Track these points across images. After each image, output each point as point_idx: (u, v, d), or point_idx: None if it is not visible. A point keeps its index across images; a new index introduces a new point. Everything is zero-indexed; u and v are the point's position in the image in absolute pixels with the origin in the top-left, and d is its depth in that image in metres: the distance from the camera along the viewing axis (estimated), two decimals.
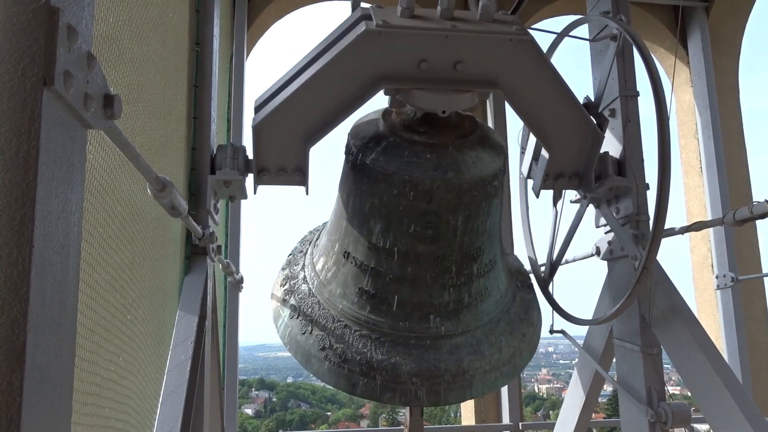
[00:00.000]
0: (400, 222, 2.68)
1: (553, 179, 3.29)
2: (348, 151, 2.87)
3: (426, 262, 2.75)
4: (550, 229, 3.92)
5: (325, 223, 3.29)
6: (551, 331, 3.94)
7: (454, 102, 2.74)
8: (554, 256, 3.87)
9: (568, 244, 3.80)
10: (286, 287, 3.15)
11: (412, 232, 2.67)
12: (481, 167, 2.72)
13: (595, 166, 3.31)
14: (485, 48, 2.70)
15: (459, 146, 2.75)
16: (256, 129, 2.82)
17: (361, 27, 2.61)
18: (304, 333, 2.88)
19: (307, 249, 3.31)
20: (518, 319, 3.10)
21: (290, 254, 3.41)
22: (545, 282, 3.80)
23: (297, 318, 2.96)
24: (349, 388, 2.75)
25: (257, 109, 2.86)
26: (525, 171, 3.66)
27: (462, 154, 2.71)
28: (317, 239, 3.27)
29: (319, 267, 3.05)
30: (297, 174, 3.01)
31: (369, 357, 2.74)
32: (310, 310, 2.94)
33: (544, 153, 3.24)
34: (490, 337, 2.93)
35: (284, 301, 3.10)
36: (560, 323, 3.85)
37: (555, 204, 3.85)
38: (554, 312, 3.73)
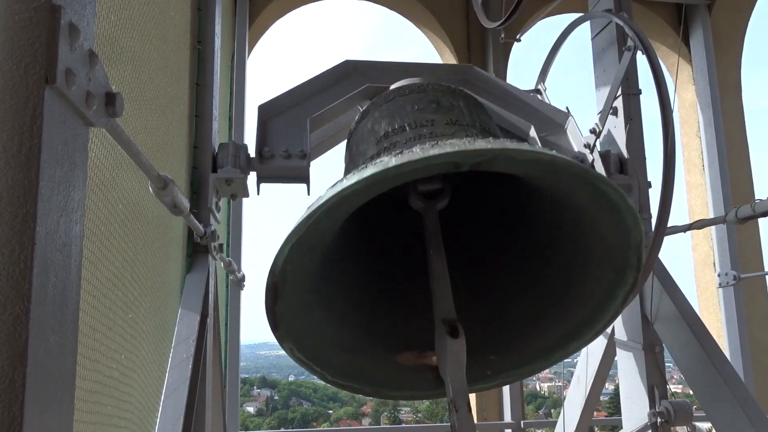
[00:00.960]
0: (402, 109, 2.42)
1: None
2: (350, 131, 2.84)
3: (441, 124, 2.35)
4: None
5: None
6: None
7: (430, 79, 2.88)
8: None
9: None
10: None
11: (417, 109, 2.44)
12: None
13: (598, 162, 3.32)
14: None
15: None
16: (261, 109, 3.13)
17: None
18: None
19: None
20: None
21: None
22: None
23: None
24: (380, 166, 1.76)
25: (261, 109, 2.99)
26: None
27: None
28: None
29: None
30: (299, 157, 3.06)
31: (400, 151, 2.01)
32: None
33: None
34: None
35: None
36: None
37: None
38: None
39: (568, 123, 3.45)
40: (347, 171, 2.55)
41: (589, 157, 3.34)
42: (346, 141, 2.80)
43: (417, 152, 1.63)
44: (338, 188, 1.72)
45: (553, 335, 2.26)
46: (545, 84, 4.14)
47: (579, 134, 3.41)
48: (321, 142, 3.39)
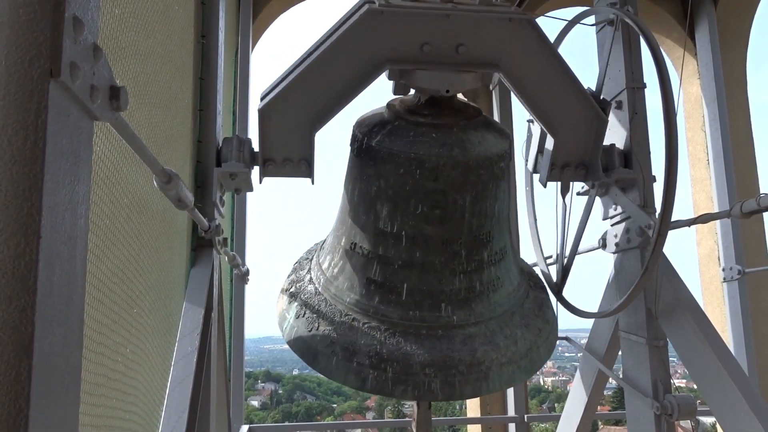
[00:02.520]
0: (406, 203, 2.62)
1: (560, 169, 3.28)
2: (353, 140, 2.87)
3: (435, 246, 2.66)
4: (559, 225, 3.86)
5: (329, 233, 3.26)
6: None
7: (458, 81, 2.77)
8: (565, 256, 3.79)
9: (579, 243, 3.73)
10: (291, 290, 3.08)
11: (419, 212, 2.60)
12: (486, 146, 2.73)
13: (602, 158, 3.30)
14: (486, 28, 2.75)
15: (464, 127, 2.76)
16: (262, 113, 2.88)
17: (364, 8, 2.68)
18: (310, 331, 2.78)
19: (313, 256, 3.25)
20: (533, 315, 3.00)
21: (296, 262, 3.36)
22: (558, 287, 3.69)
23: (303, 317, 2.86)
24: (359, 384, 2.58)
25: (263, 97, 2.89)
26: (531, 166, 3.64)
27: (467, 134, 2.72)
28: (323, 243, 3.24)
29: (325, 266, 2.99)
30: (303, 164, 3.02)
31: (378, 349, 2.60)
32: (316, 308, 2.85)
33: (549, 145, 3.24)
34: (504, 329, 2.81)
35: (290, 303, 3.03)
36: (564, 321, 3.85)
37: (563, 196, 3.80)
38: (558, 315, 3.70)
39: (601, 126, 3.21)
40: (342, 216, 2.99)
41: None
42: (348, 160, 2.87)
43: (388, 385, 2.55)
44: (323, 370, 2.72)
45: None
46: None
47: (602, 140, 3.26)
48: (328, 113, 3.11)
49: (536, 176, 3.53)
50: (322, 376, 2.81)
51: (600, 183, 3.52)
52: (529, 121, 3.66)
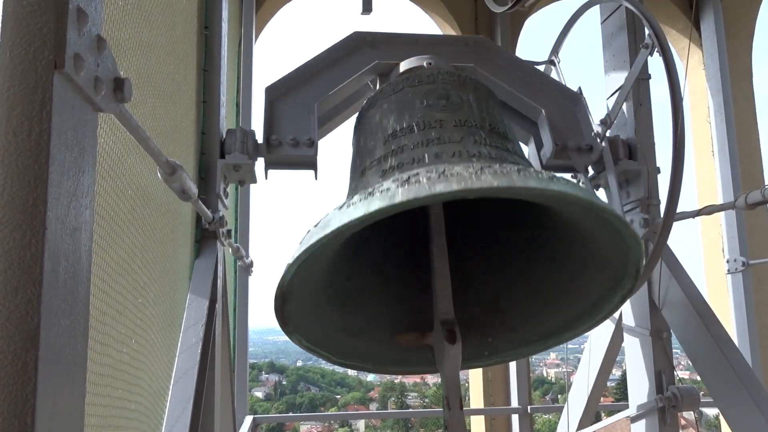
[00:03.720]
0: (411, 105, 2.46)
1: (561, 150, 3.29)
2: (358, 114, 2.84)
3: (449, 126, 2.34)
4: None
5: None
6: None
7: (438, 59, 2.88)
8: None
9: None
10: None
11: (425, 105, 2.48)
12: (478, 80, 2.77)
13: (603, 149, 3.30)
14: (449, 51, 3.34)
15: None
16: (268, 91, 3.15)
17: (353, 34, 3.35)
18: (317, 225, 2.09)
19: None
20: None
21: (306, 234, 3.31)
22: None
23: (308, 233, 2.34)
24: (388, 200, 1.79)
25: (269, 91, 3.00)
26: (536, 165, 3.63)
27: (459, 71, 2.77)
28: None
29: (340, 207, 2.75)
30: (307, 145, 3.06)
31: (406, 174, 1.92)
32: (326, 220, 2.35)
33: (546, 141, 3.28)
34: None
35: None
36: None
37: (585, 175, 3.71)
38: None
39: (580, 104, 3.42)
40: (354, 165, 2.58)
41: (600, 146, 3.32)
42: (354, 124, 2.82)
43: (423, 185, 1.70)
44: (345, 218, 1.77)
45: (549, 324, 2.36)
46: (559, 56, 4.06)
47: (590, 119, 3.38)
48: (330, 121, 3.38)
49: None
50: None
51: (599, 174, 3.53)
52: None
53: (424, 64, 2.85)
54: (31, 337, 0.94)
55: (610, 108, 3.65)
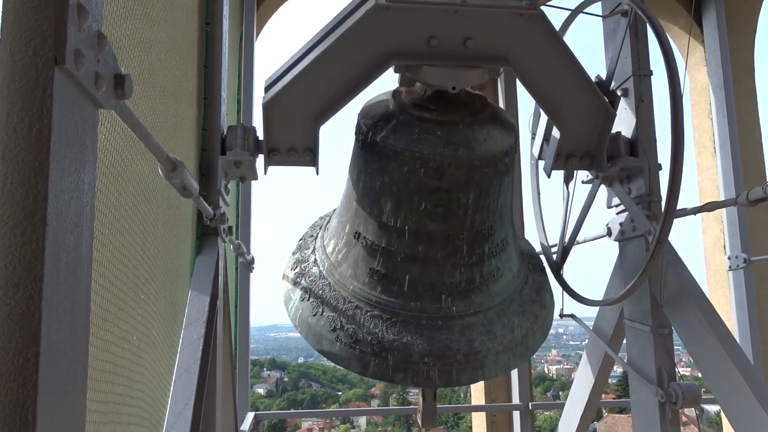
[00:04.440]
0: (410, 200, 2.67)
1: (565, 159, 3.27)
2: (358, 131, 2.87)
3: (437, 241, 2.73)
4: (562, 211, 3.90)
5: (335, 209, 3.28)
6: (561, 315, 3.92)
7: (464, 78, 2.72)
8: (566, 239, 3.85)
9: (580, 227, 3.77)
10: (296, 270, 3.15)
11: (423, 210, 2.65)
12: (491, 144, 2.70)
13: (607, 146, 3.29)
14: (495, 23, 2.69)
15: (469, 123, 2.73)
16: (266, 107, 2.86)
17: (371, 2, 2.62)
18: (315, 315, 2.87)
19: (318, 233, 3.31)
20: (530, 301, 3.07)
21: (301, 239, 3.42)
22: (557, 266, 3.79)
23: (308, 300, 2.95)
24: (361, 369, 2.72)
25: (267, 88, 2.88)
26: (536, 152, 3.64)
27: (472, 131, 2.70)
28: (327, 223, 3.27)
29: (329, 249, 3.05)
30: (307, 154, 3.02)
31: (380, 337, 2.71)
32: (320, 291, 2.93)
33: (555, 133, 3.22)
34: (502, 317, 2.90)
35: (295, 284, 3.10)
36: (570, 307, 3.85)
37: (567, 184, 3.82)
38: (564, 295, 3.72)
39: (607, 121, 3.20)
40: (348, 206, 3.03)
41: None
42: (354, 147, 2.86)
43: (388, 371, 2.70)
44: (327, 354, 2.87)
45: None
46: None
47: (608, 134, 3.27)
48: (333, 106, 3.13)
49: (541, 163, 3.52)
50: (327, 363, 2.96)
51: (604, 177, 3.54)
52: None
53: (449, 88, 2.69)
54: (32, 334, 0.94)
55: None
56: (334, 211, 3.29)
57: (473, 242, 2.78)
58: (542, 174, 3.56)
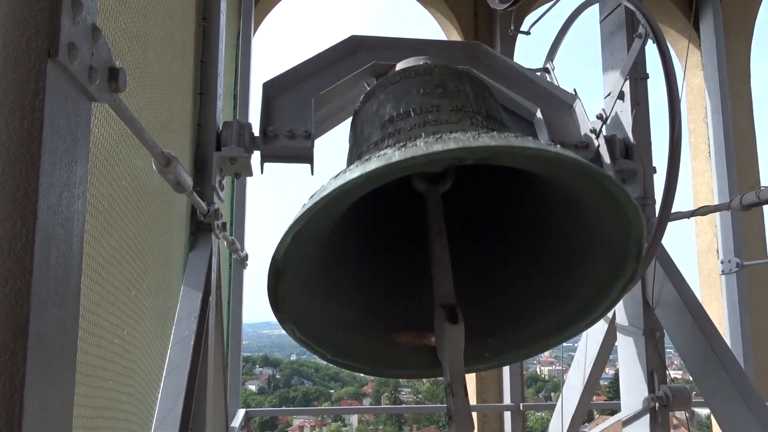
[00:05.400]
0: (408, 94, 2.42)
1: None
2: (355, 109, 2.84)
3: (446, 111, 2.26)
4: None
5: None
6: None
7: (435, 60, 2.86)
8: None
9: None
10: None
11: (423, 93, 2.46)
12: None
13: (601, 145, 3.30)
14: (445, 55, 3.41)
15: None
16: (265, 88, 3.18)
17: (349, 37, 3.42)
18: (312, 196, 1.97)
19: None
20: None
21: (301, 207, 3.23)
22: None
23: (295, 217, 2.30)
24: (384, 162, 1.65)
25: (266, 84, 2.99)
26: None
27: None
28: None
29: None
30: (303, 137, 3.07)
31: (401, 139, 2.02)
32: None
33: (541, 139, 3.31)
34: None
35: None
36: None
37: None
38: None
39: (575, 105, 3.43)
40: (351, 153, 2.54)
41: (595, 143, 3.32)
42: (351, 120, 2.81)
43: (420, 146, 1.59)
44: (341, 181, 1.69)
45: (550, 321, 2.27)
46: (553, 63, 4.11)
47: (586, 118, 3.39)
48: (326, 120, 3.40)
49: None
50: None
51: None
52: None
53: (421, 63, 2.85)
54: (20, 328, 0.93)
55: (606, 103, 3.67)
56: None
57: (487, 118, 2.28)
58: None
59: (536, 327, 2.32)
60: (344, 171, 1.77)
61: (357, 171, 1.67)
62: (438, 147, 1.56)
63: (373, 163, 1.63)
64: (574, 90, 3.50)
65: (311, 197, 1.79)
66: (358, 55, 3.41)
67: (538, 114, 3.30)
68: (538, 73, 3.92)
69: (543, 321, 2.29)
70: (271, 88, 3.25)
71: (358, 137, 2.49)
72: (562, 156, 1.58)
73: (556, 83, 3.86)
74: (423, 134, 2.04)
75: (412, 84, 2.43)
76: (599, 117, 3.46)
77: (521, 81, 3.49)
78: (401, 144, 1.69)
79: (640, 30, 3.36)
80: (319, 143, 3.23)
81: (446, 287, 2.06)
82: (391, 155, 1.61)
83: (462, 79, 2.48)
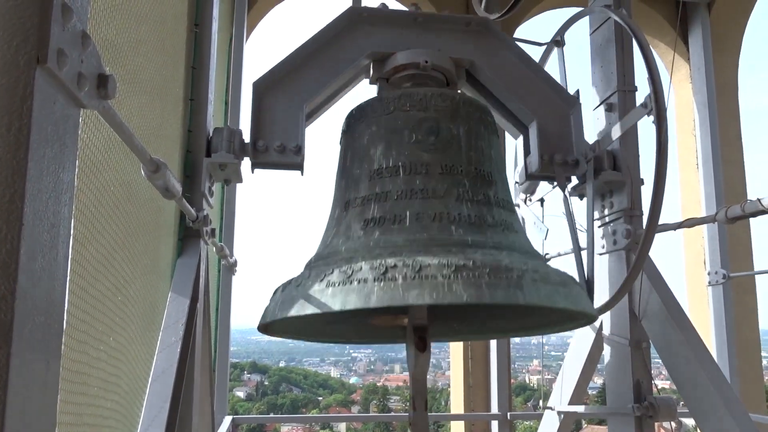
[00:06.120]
0: (399, 135, 2.49)
1: (549, 161, 3.29)
2: (345, 124, 2.86)
3: (434, 173, 2.40)
4: (567, 222, 3.63)
5: None
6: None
7: (434, 55, 2.95)
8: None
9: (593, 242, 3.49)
10: (283, 283, 2.78)
11: (414, 141, 2.48)
12: (471, 96, 2.93)
13: (591, 159, 3.32)
14: (450, 34, 3.24)
15: (446, 89, 2.88)
16: (256, 88, 3.08)
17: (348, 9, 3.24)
18: (298, 286, 2.26)
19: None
20: (555, 273, 2.42)
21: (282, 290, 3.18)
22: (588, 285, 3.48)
23: (289, 285, 2.38)
24: (363, 300, 1.98)
25: (256, 84, 3.00)
26: (519, 177, 3.60)
27: (450, 92, 2.80)
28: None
29: (318, 250, 2.59)
30: (294, 152, 3.05)
31: (384, 263, 2.06)
32: (307, 273, 2.34)
33: (532, 155, 3.31)
34: (528, 261, 2.22)
35: (275, 293, 2.57)
36: None
37: (563, 189, 3.57)
38: None
39: (573, 114, 3.38)
40: (339, 184, 2.76)
41: (584, 167, 3.34)
42: (342, 126, 2.84)
43: (399, 289, 1.94)
44: (321, 307, 2.09)
45: (514, 325, 2.85)
46: (565, 38, 3.97)
47: (581, 127, 3.35)
48: (320, 109, 3.38)
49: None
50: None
51: (587, 184, 3.52)
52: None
53: (421, 62, 2.89)
54: (3, 334, 0.93)
55: (595, 114, 3.68)
56: None
57: (475, 180, 2.43)
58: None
59: (500, 325, 2.92)
60: (327, 283, 2.11)
61: (338, 301, 2.01)
62: (413, 295, 1.94)
63: (353, 298, 1.99)
64: (577, 91, 3.44)
65: (290, 285, 2.33)
66: (357, 31, 3.22)
67: (534, 123, 3.29)
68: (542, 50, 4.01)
69: (507, 324, 2.88)
70: (261, 88, 3.14)
71: (347, 170, 2.65)
72: (532, 303, 2.04)
73: (563, 62, 3.82)
74: (408, 217, 2.31)
75: (406, 121, 2.53)
76: (592, 149, 3.41)
77: (526, 76, 3.35)
78: (382, 271, 2.02)
79: (645, 101, 3.04)
80: (309, 133, 3.27)
81: (421, 311, 2.39)
82: (370, 291, 1.97)
83: (457, 114, 2.58)
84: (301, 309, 2.11)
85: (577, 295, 2.27)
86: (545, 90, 3.37)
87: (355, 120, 2.73)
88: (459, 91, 3.12)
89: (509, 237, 2.38)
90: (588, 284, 3.26)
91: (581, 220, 3.74)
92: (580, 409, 3.99)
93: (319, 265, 2.33)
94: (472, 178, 2.44)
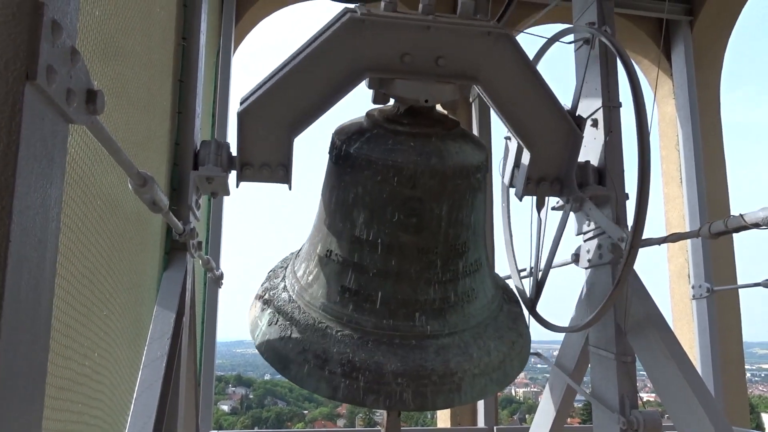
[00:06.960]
0: (383, 211, 2.63)
1: (536, 183, 3.31)
2: (332, 147, 2.88)
3: (410, 255, 2.67)
4: (534, 238, 3.88)
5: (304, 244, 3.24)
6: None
7: (437, 92, 2.81)
8: (539, 271, 3.79)
9: (553, 259, 3.74)
10: (265, 297, 3.05)
11: (396, 220, 2.61)
12: (464, 156, 2.77)
13: (577, 175, 3.34)
14: (465, 42, 2.81)
15: (442, 137, 2.81)
16: (242, 116, 2.86)
17: (346, 16, 2.73)
18: (282, 338, 2.75)
19: (288, 263, 3.23)
20: (506, 327, 2.99)
21: (271, 270, 3.33)
22: (532, 303, 3.69)
23: (276, 324, 2.84)
24: (330, 392, 2.57)
25: (243, 100, 2.89)
26: (507, 180, 3.67)
27: (445, 144, 2.75)
28: (299, 251, 3.22)
29: (300, 273, 2.98)
30: (280, 169, 3.02)
31: (351, 357, 2.58)
32: (289, 315, 2.81)
33: (525, 160, 3.27)
34: (478, 340, 2.79)
35: (263, 311, 2.99)
36: (534, 333, 3.86)
37: (539, 211, 3.83)
38: (530, 325, 3.72)
39: (575, 148, 3.26)
40: (320, 226, 2.96)
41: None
42: (328, 164, 2.87)
43: (359, 393, 2.54)
44: (296, 381, 2.72)
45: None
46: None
47: (577, 155, 3.29)
48: (309, 117, 3.17)
49: (512, 191, 3.55)
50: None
51: (574, 198, 3.55)
52: (507, 137, 3.68)
53: (421, 101, 2.77)
54: None
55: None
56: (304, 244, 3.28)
57: (447, 258, 2.73)
58: (513, 207, 3.59)
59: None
60: (305, 360, 2.71)
61: (311, 381, 2.63)
62: (370, 399, 2.57)
63: (323, 387, 2.59)
64: (583, 120, 3.30)
65: (271, 340, 2.88)
66: (352, 44, 2.76)
67: (533, 153, 3.20)
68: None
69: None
70: (245, 116, 2.87)
71: (332, 211, 2.85)
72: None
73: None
74: (379, 297, 2.69)
75: (391, 199, 2.66)
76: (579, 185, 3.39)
77: (534, 101, 3.03)
78: (347, 370, 2.58)
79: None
80: (297, 143, 3.16)
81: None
82: (337, 386, 2.58)
83: (443, 192, 2.69)
84: (283, 369, 2.72)
85: (510, 366, 2.88)
86: (551, 115, 3.12)
87: (344, 158, 2.75)
88: (458, 126, 2.97)
89: (469, 308, 2.83)
90: (532, 302, 3.66)
91: (570, 235, 3.82)
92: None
93: (301, 305, 2.86)
94: (444, 257, 2.73)
